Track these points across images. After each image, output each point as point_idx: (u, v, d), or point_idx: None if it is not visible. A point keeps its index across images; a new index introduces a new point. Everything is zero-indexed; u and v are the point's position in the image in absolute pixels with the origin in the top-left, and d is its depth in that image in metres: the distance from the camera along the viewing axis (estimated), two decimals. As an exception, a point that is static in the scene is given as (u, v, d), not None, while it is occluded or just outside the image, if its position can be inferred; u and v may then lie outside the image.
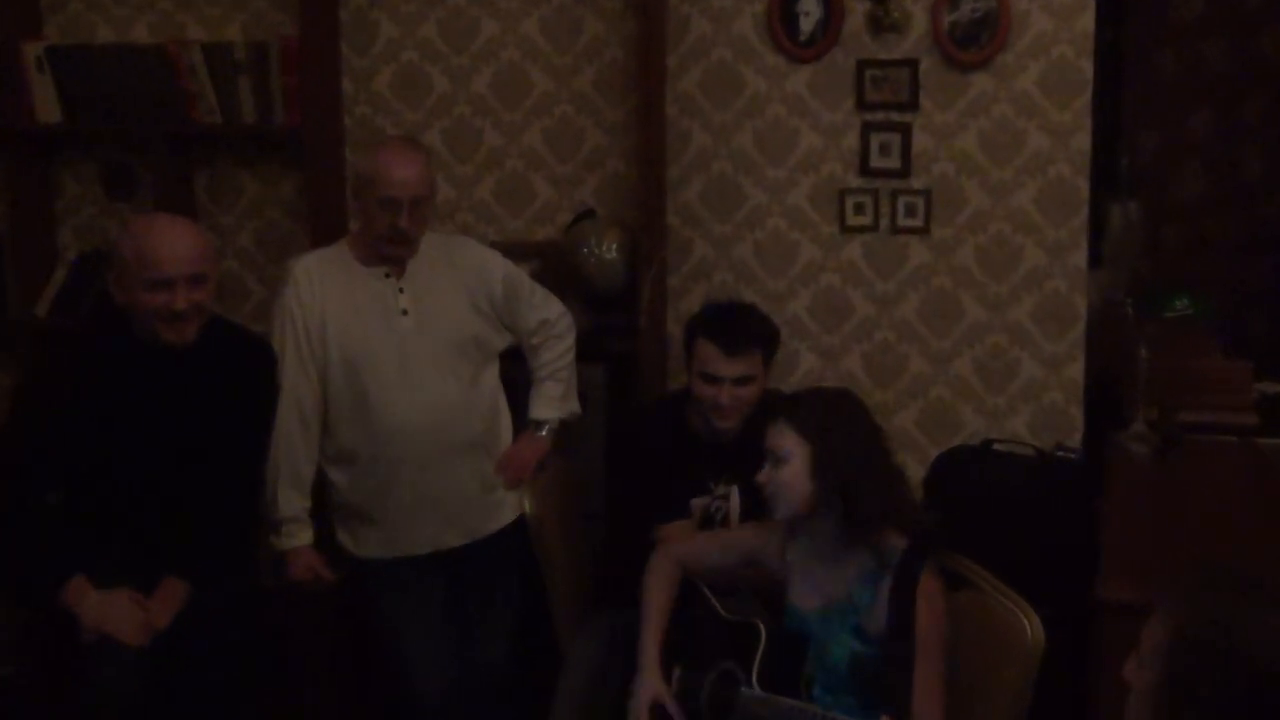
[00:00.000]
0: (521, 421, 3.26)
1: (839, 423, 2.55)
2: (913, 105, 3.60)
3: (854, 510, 2.48)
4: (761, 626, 2.61)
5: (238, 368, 2.86)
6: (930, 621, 2.40)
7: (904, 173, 3.68)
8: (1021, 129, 3.62)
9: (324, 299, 2.99)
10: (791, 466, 2.50)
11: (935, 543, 2.49)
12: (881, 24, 3.52)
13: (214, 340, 2.83)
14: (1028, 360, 3.73)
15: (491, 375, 3.20)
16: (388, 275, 3.03)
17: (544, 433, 3.27)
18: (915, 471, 3.61)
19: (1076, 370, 3.69)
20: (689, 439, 3.11)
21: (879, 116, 3.61)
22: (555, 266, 3.72)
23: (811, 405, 2.56)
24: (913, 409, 3.81)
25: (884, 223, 3.73)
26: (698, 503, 3.11)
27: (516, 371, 3.28)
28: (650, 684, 2.59)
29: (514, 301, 3.18)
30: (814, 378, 3.77)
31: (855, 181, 3.73)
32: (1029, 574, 2.69)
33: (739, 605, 2.77)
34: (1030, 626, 2.47)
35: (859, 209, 3.73)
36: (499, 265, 3.19)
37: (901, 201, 3.70)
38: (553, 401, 3.28)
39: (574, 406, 3.32)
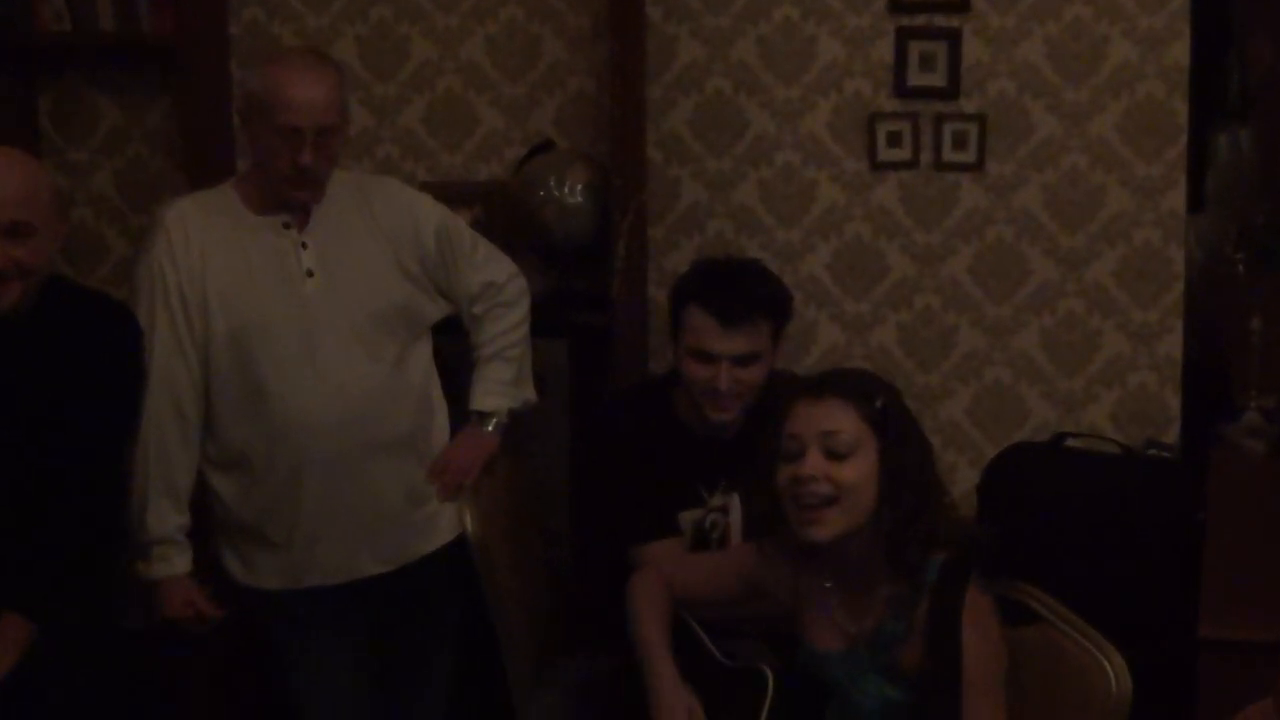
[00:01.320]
0: (461, 414, 3.27)
1: (900, 411, 2.58)
2: (962, 6, 3.66)
3: (907, 527, 2.52)
4: (769, 673, 2.64)
5: (89, 343, 2.83)
6: (981, 650, 2.43)
7: (951, 93, 3.73)
8: (1102, 36, 3.67)
9: (205, 256, 3.00)
10: (859, 462, 2.51)
11: (982, 554, 2.54)
12: (921, -101, 3.39)
13: (57, 309, 2.82)
14: (1111, 332, 3.77)
15: (422, 355, 3.23)
16: (287, 226, 3.06)
17: (490, 428, 3.29)
18: (967, 476, 3.72)
19: (1173, 345, 3.74)
20: (677, 435, 3.15)
21: (919, 20, 3.69)
22: (504, 214, 3.77)
23: (870, 384, 2.59)
24: (963, 395, 3.85)
25: (926, 157, 3.77)
26: (689, 517, 3.14)
27: (455, 350, 3.30)
28: (678, 698, 2.64)
29: (451, 260, 3.22)
30: (837, 356, 3.82)
31: (889, 104, 3.76)
32: (1113, 605, 2.71)
33: (739, 647, 2.80)
34: (1113, 672, 2.51)
35: (894, 140, 3.77)
36: (432, 213, 3.22)
37: (948, 130, 3.75)
38: (501, 387, 3.31)
39: (528, 394, 3.35)
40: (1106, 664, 2.52)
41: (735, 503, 3.16)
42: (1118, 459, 3.52)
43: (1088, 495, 3.39)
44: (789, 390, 2.65)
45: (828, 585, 2.61)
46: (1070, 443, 3.57)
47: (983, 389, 3.85)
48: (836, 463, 2.51)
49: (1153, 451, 3.59)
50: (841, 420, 2.52)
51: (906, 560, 2.50)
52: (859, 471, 2.50)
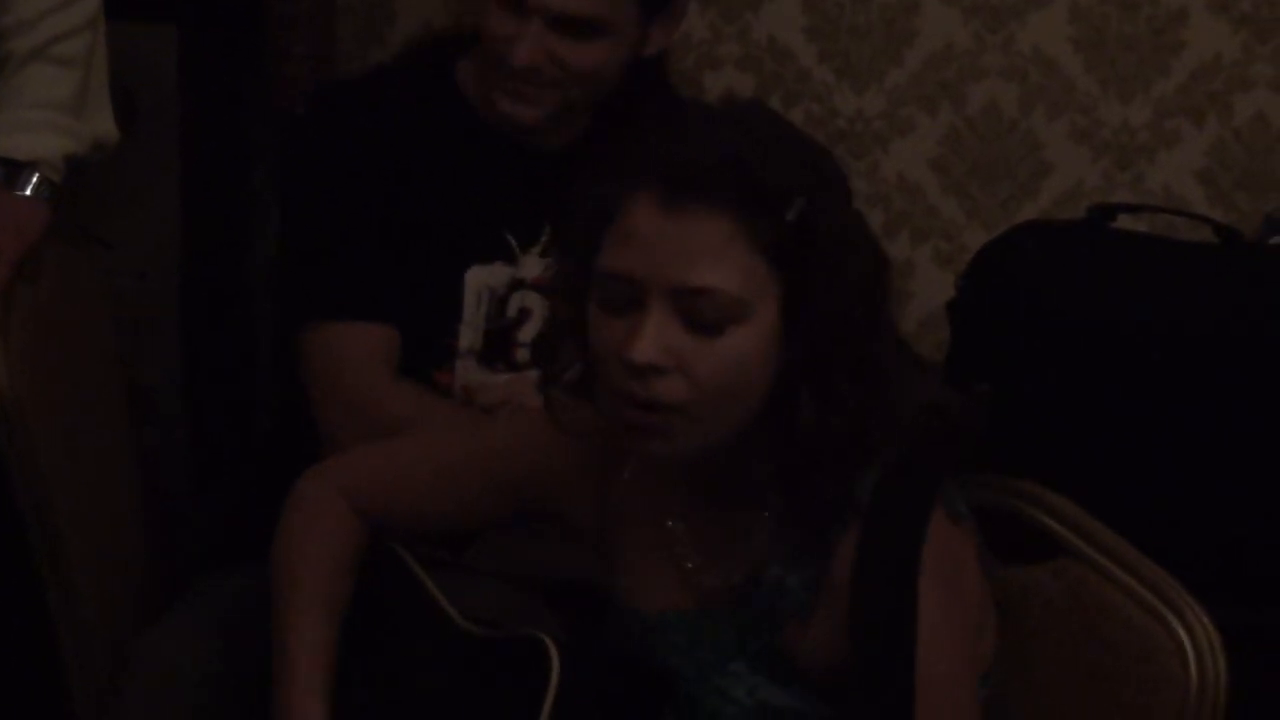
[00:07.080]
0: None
1: (834, 216, 2.01)
2: None
3: (821, 421, 2.00)
4: (551, 649, 2.17)
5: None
6: (944, 628, 1.99)
7: None
8: None
9: None
10: (739, 337, 1.94)
11: (957, 440, 2.11)
12: None
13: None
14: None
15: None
16: None
17: (28, 191, 2.78)
18: (934, 283, 3.40)
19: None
20: (467, 131, 2.76)
21: None
22: None
23: (781, 160, 1.97)
24: (927, 130, 3.50)
25: None
26: (484, 279, 2.70)
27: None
28: None
29: None
30: (695, 56, 3.39)
31: None
32: (1199, 530, 2.70)
33: (498, 601, 2.51)
34: (1194, 646, 2.13)
35: None
36: None
37: None
38: (48, 115, 2.78)
39: (101, 126, 2.89)
40: (1181, 631, 2.14)
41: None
42: (1212, 252, 3.16)
43: (1157, 319, 2.99)
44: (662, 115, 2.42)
45: (666, 498, 2.26)
46: (1123, 220, 3.21)
47: (964, 119, 3.45)
48: (698, 339, 1.96)
49: (1277, 240, 3.36)
50: (719, 262, 1.94)
51: (817, 491, 2.07)
52: (737, 352, 1.96)
